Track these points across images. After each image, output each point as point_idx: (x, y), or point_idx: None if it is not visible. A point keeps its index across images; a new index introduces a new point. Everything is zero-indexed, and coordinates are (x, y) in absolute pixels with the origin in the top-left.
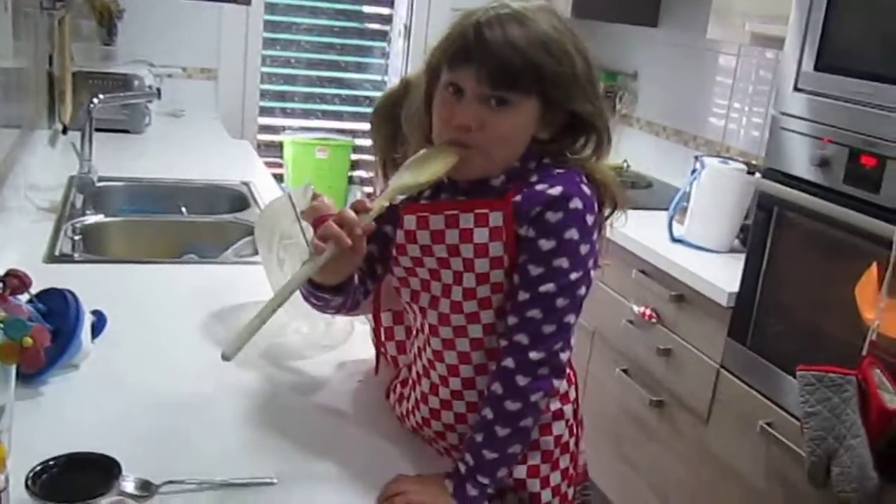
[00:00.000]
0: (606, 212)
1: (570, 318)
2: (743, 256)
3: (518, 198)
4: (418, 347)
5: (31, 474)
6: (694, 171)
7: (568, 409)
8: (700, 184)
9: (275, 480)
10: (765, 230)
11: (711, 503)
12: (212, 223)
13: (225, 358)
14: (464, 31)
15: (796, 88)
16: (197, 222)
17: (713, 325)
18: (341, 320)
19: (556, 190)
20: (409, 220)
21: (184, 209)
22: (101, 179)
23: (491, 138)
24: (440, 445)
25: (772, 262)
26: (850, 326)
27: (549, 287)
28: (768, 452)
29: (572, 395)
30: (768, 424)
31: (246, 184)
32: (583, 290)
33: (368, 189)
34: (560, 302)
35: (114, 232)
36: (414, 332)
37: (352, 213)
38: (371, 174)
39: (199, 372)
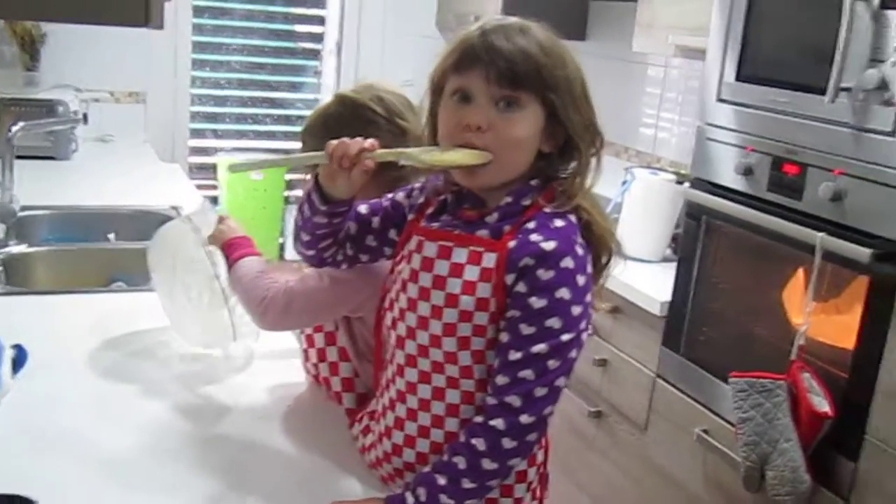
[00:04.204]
0: (603, 261)
1: (561, 382)
2: (675, 266)
3: (512, 243)
4: (387, 379)
5: None
6: (625, 182)
7: (532, 471)
8: (630, 195)
9: None
10: (694, 239)
11: None
12: (141, 249)
13: (231, 168)
14: (469, 37)
15: (720, 99)
16: (125, 249)
17: (647, 335)
18: (238, 350)
19: (550, 245)
20: (413, 240)
21: (112, 236)
22: (24, 208)
23: (502, 141)
24: (397, 484)
25: (702, 271)
26: (779, 332)
27: (541, 347)
28: (705, 459)
29: (539, 457)
30: (704, 431)
31: (175, 208)
32: (574, 353)
33: None
34: (552, 363)
35: (38, 262)
36: (384, 363)
37: (359, 143)
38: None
39: (125, 406)
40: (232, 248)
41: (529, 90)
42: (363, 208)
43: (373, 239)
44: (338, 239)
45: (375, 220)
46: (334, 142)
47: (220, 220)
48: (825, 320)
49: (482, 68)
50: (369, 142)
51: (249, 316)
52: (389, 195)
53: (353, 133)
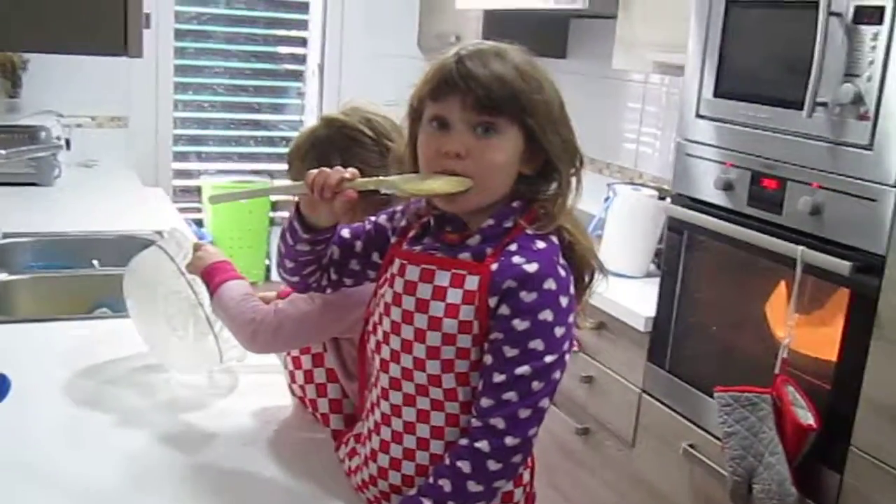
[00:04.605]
0: (585, 280)
1: (545, 403)
2: (658, 281)
3: (495, 266)
4: (372, 402)
5: None
6: (607, 198)
7: (518, 492)
8: (613, 211)
9: None
10: (677, 255)
11: None
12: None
13: (211, 200)
14: (446, 64)
15: (698, 115)
16: (109, 275)
17: (633, 351)
18: (222, 373)
19: (532, 267)
20: (396, 264)
21: (96, 262)
22: (6, 235)
23: (482, 166)
24: None
25: (685, 286)
26: (763, 345)
27: (524, 369)
28: (692, 474)
29: (525, 478)
30: (691, 446)
31: (159, 232)
32: (558, 374)
33: None
34: (536, 385)
35: (21, 290)
36: (369, 386)
37: (339, 173)
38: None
39: (108, 434)
40: (212, 274)
41: (507, 115)
42: (346, 232)
43: (356, 263)
44: (321, 264)
45: (358, 244)
46: (314, 171)
47: (197, 247)
48: (808, 333)
49: (459, 96)
50: (349, 171)
51: (237, 340)
52: (372, 218)
53: (341, 154)
